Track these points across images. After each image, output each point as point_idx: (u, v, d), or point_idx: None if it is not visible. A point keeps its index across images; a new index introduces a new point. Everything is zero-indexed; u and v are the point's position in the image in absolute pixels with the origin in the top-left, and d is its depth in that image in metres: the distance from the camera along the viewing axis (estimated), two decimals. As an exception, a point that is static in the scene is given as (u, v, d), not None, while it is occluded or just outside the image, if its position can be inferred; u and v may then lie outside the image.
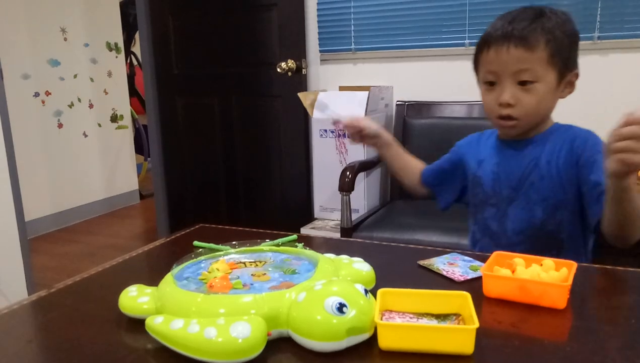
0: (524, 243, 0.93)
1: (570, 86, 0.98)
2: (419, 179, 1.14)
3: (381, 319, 0.50)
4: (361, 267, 0.62)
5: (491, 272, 0.60)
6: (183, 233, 0.92)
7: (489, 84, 0.97)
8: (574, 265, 0.60)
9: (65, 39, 3.62)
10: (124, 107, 4.20)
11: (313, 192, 2.30)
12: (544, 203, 0.93)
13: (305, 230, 2.16)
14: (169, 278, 0.58)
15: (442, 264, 0.70)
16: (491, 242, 0.97)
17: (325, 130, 2.28)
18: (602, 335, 0.51)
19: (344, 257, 0.65)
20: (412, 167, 1.17)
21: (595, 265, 0.69)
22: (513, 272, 0.61)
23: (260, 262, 0.65)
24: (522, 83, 0.93)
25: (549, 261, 0.61)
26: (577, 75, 0.98)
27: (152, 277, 0.61)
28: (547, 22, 0.93)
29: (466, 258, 0.72)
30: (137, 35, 3.42)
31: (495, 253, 0.65)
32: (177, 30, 2.74)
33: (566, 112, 2.30)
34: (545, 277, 0.58)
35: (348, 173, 1.85)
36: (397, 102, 2.25)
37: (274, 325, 0.50)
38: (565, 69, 0.95)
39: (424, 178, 1.15)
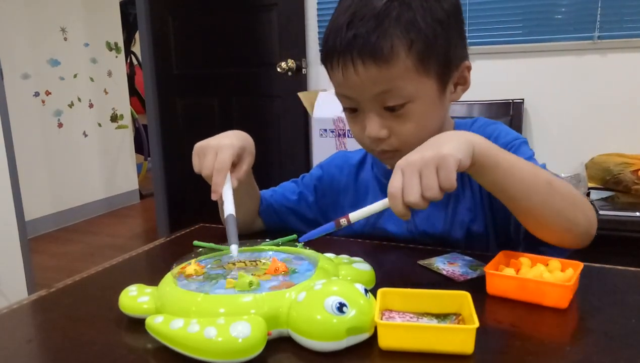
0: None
1: (464, 82, 0.75)
2: (257, 210, 0.89)
3: (381, 319, 0.50)
4: (361, 267, 0.62)
5: (495, 271, 0.61)
6: (183, 233, 0.92)
7: (349, 110, 0.75)
8: (579, 265, 0.60)
9: (65, 39, 3.63)
10: (124, 107, 4.21)
11: (313, 192, 2.30)
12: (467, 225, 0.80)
13: (305, 230, 2.16)
14: (169, 278, 0.59)
15: (442, 264, 0.70)
16: None
17: (325, 130, 2.27)
18: (602, 335, 0.51)
19: (344, 257, 0.65)
20: (255, 194, 0.89)
21: (596, 265, 0.68)
22: (517, 271, 0.61)
23: (260, 261, 0.65)
24: (390, 108, 0.70)
25: (555, 261, 0.61)
26: (469, 68, 0.75)
27: (152, 277, 0.61)
28: (403, 11, 0.66)
29: (466, 258, 0.72)
30: (137, 35, 3.42)
31: (502, 252, 0.65)
32: (177, 30, 2.74)
33: (565, 111, 2.29)
34: (549, 276, 0.58)
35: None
36: (397, 102, 2.25)
37: (274, 325, 0.50)
38: (447, 69, 0.71)
39: (266, 209, 0.89)
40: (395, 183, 0.57)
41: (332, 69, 0.72)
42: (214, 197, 0.69)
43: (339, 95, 0.75)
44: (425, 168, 0.56)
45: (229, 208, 0.68)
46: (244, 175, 0.73)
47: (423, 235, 0.83)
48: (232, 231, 0.65)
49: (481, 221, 0.80)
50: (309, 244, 0.67)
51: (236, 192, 0.71)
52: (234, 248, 0.63)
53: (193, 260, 0.63)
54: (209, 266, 0.63)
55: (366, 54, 0.67)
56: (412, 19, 0.67)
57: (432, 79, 0.70)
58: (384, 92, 0.69)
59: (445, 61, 0.70)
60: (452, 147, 0.57)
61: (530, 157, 0.75)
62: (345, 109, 0.77)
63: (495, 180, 0.62)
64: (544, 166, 0.73)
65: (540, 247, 0.71)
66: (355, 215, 0.60)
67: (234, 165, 0.72)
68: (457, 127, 0.84)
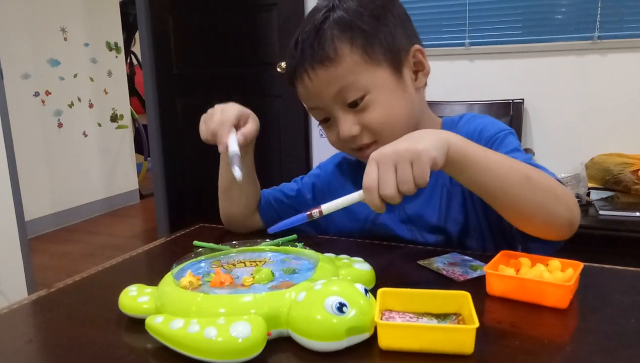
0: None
1: (422, 68, 0.78)
2: (256, 204, 0.90)
3: (381, 319, 0.50)
4: (361, 267, 0.62)
5: (495, 271, 0.61)
6: (183, 233, 0.92)
7: (323, 122, 0.80)
8: (579, 265, 0.60)
9: (65, 39, 3.63)
10: (124, 107, 4.21)
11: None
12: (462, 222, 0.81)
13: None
14: (169, 278, 0.58)
15: (442, 264, 0.70)
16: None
17: (325, 130, 2.27)
18: (602, 335, 0.51)
19: (344, 257, 0.65)
20: (257, 188, 0.90)
21: (596, 265, 0.68)
22: (517, 271, 0.61)
23: (260, 261, 0.65)
24: (353, 105, 0.73)
25: (555, 261, 0.61)
26: (422, 52, 0.77)
27: (152, 277, 0.61)
28: (338, 16, 0.72)
29: (466, 258, 0.72)
30: (137, 35, 3.42)
31: (502, 252, 0.65)
32: (177, 30, 2.74)
33: (565, 111, 2.29)
34: (549, 276, 0.58)
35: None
36: (397, 102, 2.25)
37: (274, 325, 0.50)
38: (396, 55, 0.74)
39: (264, 205, 0.90)
40: (371, 175, 0.57)
41: (295, 87, 0.78)
42: (220, 148, 0.72)
43: (309, 110, 0.80)
44: (400, 162, 0.56)
45: (233, 148, 0.70)
46: (251, 133, 0.75)
47: (419, 226, 0.83)
48: (236, 164, 0.68)
49: (474, 217, 0.81)
50: (309, 244, 0.67)
51: (238, 188, 0.72)
52: (238, 173, 0.66)
53: (188, 272, 0.62)
54: (204, 271, 0.63)
55: (315, 61, 0.72)
56: (347, 20, 0.72)
57: (383, 66, 0.73)
58: (341, 90, 0.73)
59: (391, 48, 0.74)
60: (427, 144, 0.58)
61: (515, 149, 0.75)
62: (319, 123, 0.81)
63: (472, 178, 0.63)
64: (529, 159, 0.72)
65: (530, 241, 0.71)
66: (328, 207, 0.61)
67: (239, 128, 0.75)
68: (444, 126, 0.85)
